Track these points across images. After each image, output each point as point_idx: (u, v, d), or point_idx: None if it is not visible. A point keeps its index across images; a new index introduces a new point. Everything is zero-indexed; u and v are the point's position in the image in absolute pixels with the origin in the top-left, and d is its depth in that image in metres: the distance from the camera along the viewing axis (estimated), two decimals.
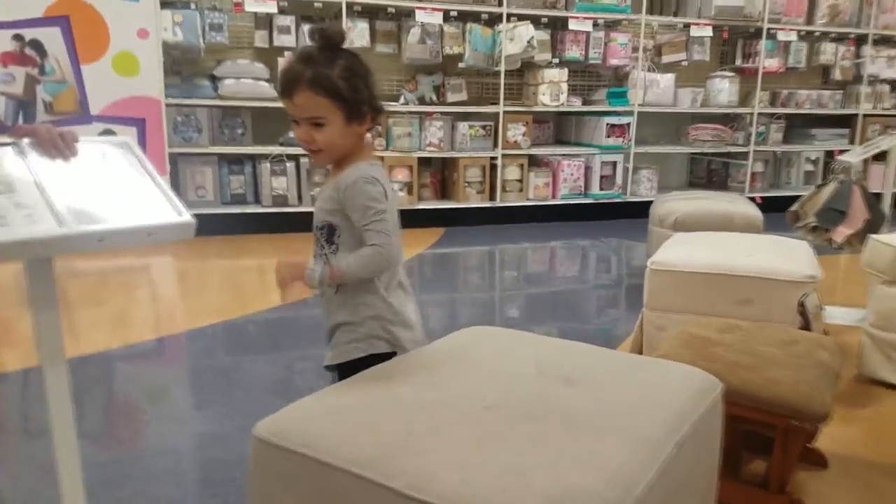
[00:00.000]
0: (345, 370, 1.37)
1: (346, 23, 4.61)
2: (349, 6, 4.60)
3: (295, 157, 4.72)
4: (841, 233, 2.77)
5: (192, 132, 4.53)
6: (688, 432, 1.08)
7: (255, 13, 4.55)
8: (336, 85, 1.33)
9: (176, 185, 4.53)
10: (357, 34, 4.70)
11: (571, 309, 3.52)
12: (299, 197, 4.77)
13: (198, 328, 2.99)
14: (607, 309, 3.58)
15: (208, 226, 4.42)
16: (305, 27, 4.58)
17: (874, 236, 2.50)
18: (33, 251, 0.99)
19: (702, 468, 1.19)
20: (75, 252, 1.03)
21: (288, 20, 4.56)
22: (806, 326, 2.13)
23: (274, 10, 4.49)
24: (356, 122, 1.38)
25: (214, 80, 4.54)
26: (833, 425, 2.11)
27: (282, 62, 4.55)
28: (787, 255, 2.37)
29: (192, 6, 4.41)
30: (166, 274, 4.05)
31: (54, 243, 0.98)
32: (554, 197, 5.37)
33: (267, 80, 4.56)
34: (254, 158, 4.73)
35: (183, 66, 4.59)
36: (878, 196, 3.09)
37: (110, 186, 1.11)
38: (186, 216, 1.09)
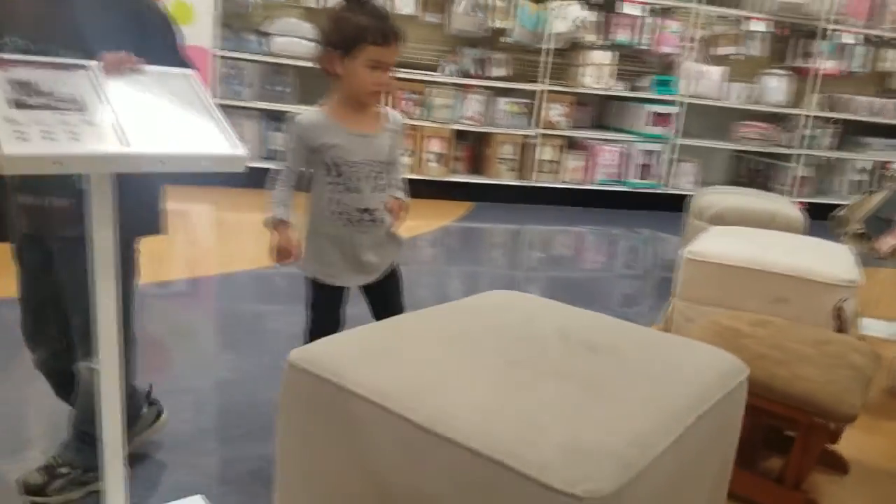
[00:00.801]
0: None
1: None
2: None
3: None
4: (886, 242, 2.69)
5: (238, 86, 4.55)
6: (709, 410, 1.06)
7: None
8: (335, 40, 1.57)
9: None
10: (404, 2, 4.65)
11: (593, 294, 3.48)
12: None
13: (229, 272, 3.04)
14: (631, 298, 3.53)
15: (248, 178, 4.48)
16: None
17: None
18: (100, 166, 1.06)
19: (718, 449, 1.17)
20: (137, 170, 1.10)
21: None
22: (842, 331, 2.08)
23: None
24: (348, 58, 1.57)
25: (264, 35, 4.54)
26: (858, 433, 2.07)
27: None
28: (828, 258, 2.31)
29: None
30: (205, 220, 4.10)
31: (119, 160, 1.05)
32: (589, 181, 5.30)
33: (315, 41, 4.54)
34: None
35: (234, 19, 4.60)
36: None
37: (172, 114, 1.16)
38: (240, 150, 1.13)
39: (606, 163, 5.27)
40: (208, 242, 3.64)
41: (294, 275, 3.06)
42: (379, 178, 1.66)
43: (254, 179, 4.47)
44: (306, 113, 1.66)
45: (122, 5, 1.33)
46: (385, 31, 1.55)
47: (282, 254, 1.67)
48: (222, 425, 1.87)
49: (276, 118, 4.73)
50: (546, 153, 5.21)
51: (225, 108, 4.28)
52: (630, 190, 5.36)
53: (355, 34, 1.53)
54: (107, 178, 1.10)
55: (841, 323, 2.06)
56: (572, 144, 5.33)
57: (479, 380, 1.02)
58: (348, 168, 1.62)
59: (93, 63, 1.16)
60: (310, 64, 4.53)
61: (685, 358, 1.20)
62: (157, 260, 3.05)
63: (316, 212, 1.68)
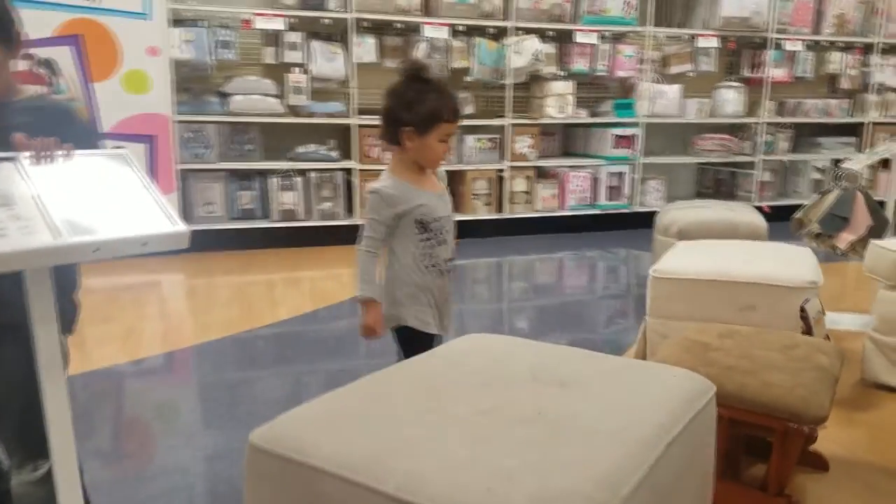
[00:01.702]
0: None
1: (353, 38, 4.68)
2: (357, 22, 4.67)
3: (303, 172, 4.78)
4: (844, 239, 2.77)
5: (201, 148, 4.60)
6: (679, 434, 1.09)
7: (264, 30, 4.62)
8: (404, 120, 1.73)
9: (185, 201, 4.60)
10: (365, 50, 4.76)
11: (579, 319, 3.53)
12: (307, 211, 4.82)
13: (206, 342, 3.02)
14: (615, 318, 3.58)
15: (217, 241, 4.59)
16: (314, 43, 4.65)
17: (876, 242, 2.50)
18: (30, 262, 1.01)
19: (695, 469, 1.19)
20: (71, 261, 1.05)
21: (296, 36, 4.64)
22: (808, 331, 2.13)
23: (282, 26, 4.57)
24: (417, 136, 1.74)
25: (223, 96, 4.62)
26: (835, 429, 2.11)
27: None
28: (789, 262, 2.38)
29: (202, 24, 4.50)
30: (175, 290, 4.09)
31: (50, 254, 1.00)
32: (562, 208, 5.39)
33: (275, 96, 4.63)
34: (263, 174, 4.79)
35: (192, 83, 4.67)
36: (881, 203, 3.09)
37: (106, 198, 1.13)
38: (180, 226, 1.10)
39: (577, 188, 5.37)
40: (180, 313, 3.64)
41: (270, 336, 3.10)
42: (452, 229, 1.85)
43: (223, 241, 4.59)
44: (383, 183, 1.76)
45: (49, 112, 1.30)
46: (455, 109, 1.74)
47: (371, 332, 1.78)
48: None
49: (243, 177, 4.78)
50: (518, 185, 5.30)
51: (189, 172, 4.35)
52: (601, 212, 5.45)
53: (431, 115, 1.69)
54: (44, 272, 1.06)
55: (805, 323, 2.11)
56: (542, 174, 5.43)
57: (448, 435, 1.03)
58: (436, 224, 1.78)
59: (19, 154, 1.12)
60: (272, 119, 4.68)
61: (652, 384, 1.24)
62: (128, 337, 3.05)
63: (405, 267, 1.78)
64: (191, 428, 2.25)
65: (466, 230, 5.18)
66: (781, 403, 1.55)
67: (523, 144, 5.24)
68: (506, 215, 5.26)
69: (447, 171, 5.20)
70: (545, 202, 5.36)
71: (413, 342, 1.77)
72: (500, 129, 5.19)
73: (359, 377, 1.25)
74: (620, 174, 5.45)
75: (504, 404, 1.13)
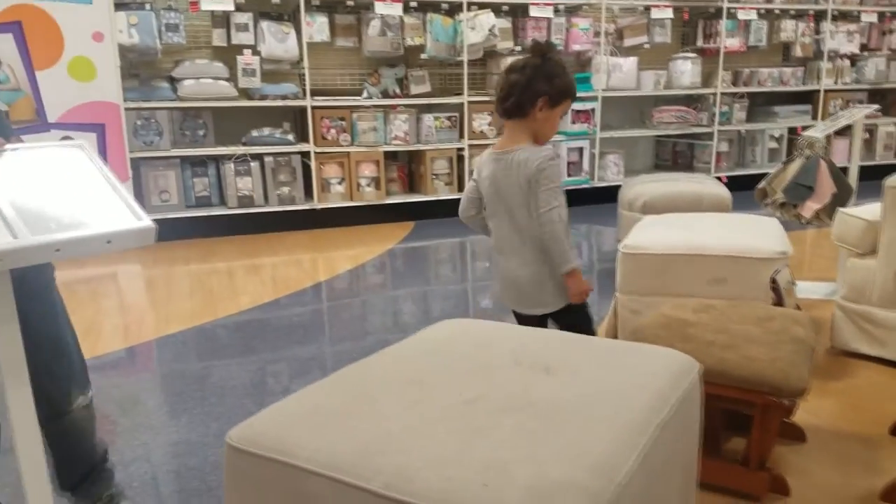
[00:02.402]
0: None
1: (304, 17, 4.54)
2: (307, 1, 4.53)
3: (259, 157, 4.64)
4: (809, 208, 2.79)
5: (152, 135, 4.43)
6: (668, 414, 1.07)
7: (212, 12, 4.44)
8: (536, 88, 1.79)
9: (139, 190, 4.43)
10: (316, 29, 4.62)
11: None
12: (265, 196, 4.70)
13: (168, 335, 2.92)
14: None
15: (174, 230, 4.44)
16: (263, 23, 4.49)
17: (844, 210, 2.52)
18: None
19: (683, 449, 1.17)
20: (31, 262, 0.98)
21: (245, 17, 4.47)
22: (779, 302, 2.14)
23: (231, 7, 4.39)
24: (549, 109, 1.82)
25: (173, 81, 4.44)
26: (809, 398, 2.13)
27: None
28: (758, 233, 2.38)
29: (147, 7, 4.30)
30: (134, 282, 3.95)
31: (9, 256, 0.94)
32: None
33: (227, 79, 4.47)
34: (217, 160, 4.64)
35: (140, 68, 4.48)
36: (843, 170, 3.12)
37: (66, 194, 1.07)
38: (146, 221, 1.04)
39: None
40: (140, 305, 3.51)
41: (234, 326, 3.00)
42: None
43: (180, 230, 4.44)
44: (546, 150, 1.82)
45: None
46: (575, 88, 1.87)
47: (585, 294, 1.84)
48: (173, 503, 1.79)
49: (197, 164, 4.62)
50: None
51: (142, 160, 4.18)
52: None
53: (566, 89, 1.80)
54: (3, 275, 1.01)
55: (776, 294, 2.12)
56: None
57: (436, 428, 0.99)
58: None
59: None
60: (225, 104, 4.52)
61: (638, 365, 1.21)
62: (88, 332, 2.93)
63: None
64: (158, 423, 2.16)
65: (428, 210, 5.13)
66: (762, 377, 1.55)
67: (482, 122, 5.18)
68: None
69: (408, 152, 5.17)
70: None
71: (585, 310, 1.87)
72: (458, 107, 5.11)
73: (327, 364, 1.20)
74: (580, 149, 5.44)
75: (490, 392, 1.09)
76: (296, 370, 2.59)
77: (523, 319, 1.92)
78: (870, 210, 2.40)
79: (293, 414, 1.05)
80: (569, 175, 5.43)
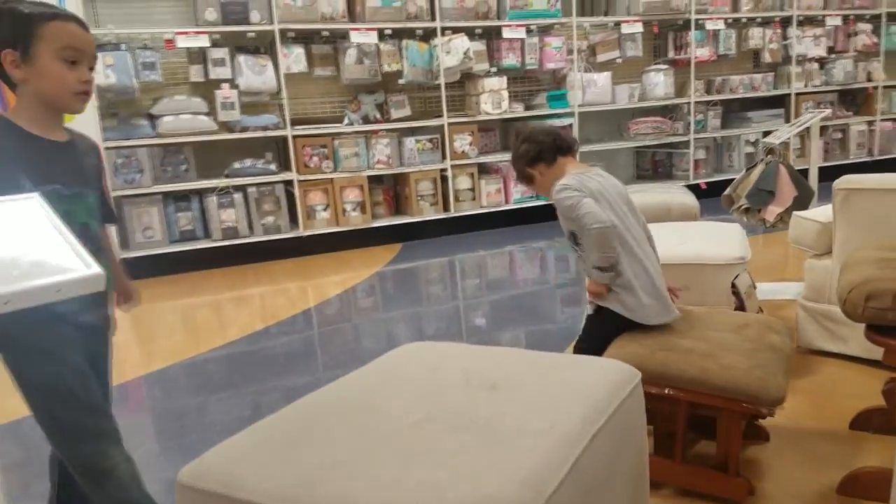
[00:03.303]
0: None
1: (280, 49, 4.64)
2: (283, 33, 4.63)
3: (242, 188, 4.72)
4: (772, 212, 2.86)
5: (133, 173, 4.50)
6: (604, 425, 1.12)
7: (188, 48, 4.54)
8: (521, 165, 2.00)
9: (122, 228, 4.50)
10: (293, 60, 4.73)
11: (533, 310, 3.57)
12: (250, 227, 4.77)
13: (152, 372, 2.97)
14: (568, 306, 3.63)
15: (159, 266, 4.51)
16: (240, 57, 4.59)
17: (798, 213, 2.60)
18: None
19: (625, 458, 1.22)
20: None
21: (222, 52, 4.57)
22: (740, 306, 2.20)
23: (206, 43, 4.50)
24: (534, 179, 1.99)
25: (152, 118, 4.53)
26: None
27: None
28: (718, 240, 2.45)
29: (123, 47, 4.39)
30: (119, 321, 3.99)
31: None
32: (507, 202, 5.44)
33: (206, 114, 4.56)
34: (200, 193, 4.71)
35: (119, 107, 4.57)
36: (804, 172, 3.20)
37: (16, 246, 1.09)
38: (95, 268, 1.08)
39: None
40: (124, 343, 3.55)
41: (221, 359, 3.05)
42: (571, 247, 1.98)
43: (165, 266, 4.50)
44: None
45: None
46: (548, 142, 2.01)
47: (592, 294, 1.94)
48: None
49: (179, 199, 4.69)
50: (462, 182, 5.33)
51: (124, 199, 4.23)
52: (545, 203, 5.50)
53: (537, 152, 1.97)
54: None
55: (737, 298, 2.19)
56: (485, 170, 5.47)
57: (379, 453, 1.03)
58: None
59: None
60: (205, 137, 4.61)
61: (579, 377, 1.27)
62: None
63: None
64: (142, 462, 2.20)
65: (414, 232, 5.21)
66: (740, 386, 1.58)
67: (463, 142, 5.27)
68: (452, 214, 5.29)
69: (392, 175, 5.23)
70: (490, 197, 5.40)
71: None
72: (439, 128, 5.21)
73: None
74: None
75: (437, 414, 1.14)
76: (286, 400, 2.62)
77: None
78: (823, 212, 2.48)
79: (242, 448, 1.10)
80: (517, 184, 5.52)
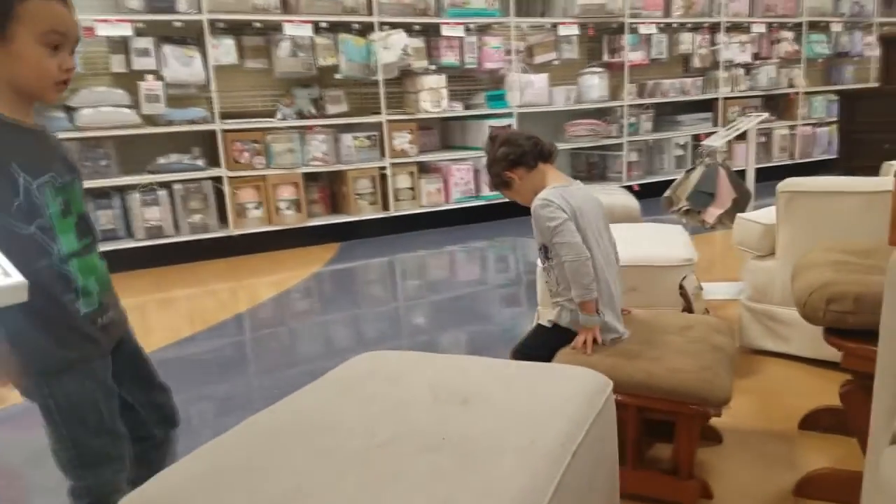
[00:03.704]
0: None
1: (209, 40, 4.43)
2: (212, 23, 4.42)
3: (167, 185, 4.48)
4: (712, 213, 2.91)
5: None
6: (584, 438, 1.07)
7: (109, 37, 4.28)
8: (493, 181, 1.96)
9: None
10: (223, 51, 4.52)
11: (475, 311, 3.52)
12: (175, 226, 4.53)
13: None
14: (509, 306, 3.60)
15: None
16: (166, 48, 4.36)
17: (742, 215, 2.64)
18: None
19: (602, 468, 1.18)
20: None
21: (146, 42, 4.32)
22: (688, 307, 2.21)
23: (129, 32, 4.24)
24: (512, 184, 1.89)
25: (70, 110, 4.24)
26: None
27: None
28: (665, 242, 2.46)
29: None
30: None
31: None
32: (447, 202, 5.39)
33: (129, 106, 4.30)
34: (122, 190, 4.45)
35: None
36: (741, 174, 3.27)
37: None
38: (18, 277, 0.98)
39: (460, 181, 5.38)
40: None
41: (173, 359, 2.86)
42: (541, 259, 1.90)
43: None
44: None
45: None
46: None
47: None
48: None
49: (100, 196, 4.41)
50: (402, 181, 5.23)
51: None
52: (486, 203, 5.49)
53: (524, 154, 1.88)
54: None
55: (685, 300, 2.19)
56: (425, 169, 5.39)
57: (345, 478, 0.94)
58: None
59: None
60: (127, 131, 4.35)
61: (551, 388, 1.21)
62: None
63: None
64: (59, 475, 2.02)
65: (352, 231, 5.08)
66: (687, 389, 1.57)
67: (402, 140, 5.18)
68: (392, 213, 5.19)
69: (329, 173, 5.09)
70: (430, 197, 5.33)
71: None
72: (377, 126, 5.09)
73: (254, 401, 1.15)
74: None
75: (405, 432, 1.06)
76: (217, 410, 2.49)
77: None
78: (766, 214, 2.52)
79: (190, 477, 0.99)
80: (491, 190, 5.49)
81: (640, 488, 1.70)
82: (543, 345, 1.82)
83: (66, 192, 1.27)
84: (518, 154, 1.86)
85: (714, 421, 1.99)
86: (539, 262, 1.92)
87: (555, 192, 1.80)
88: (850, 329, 1.50)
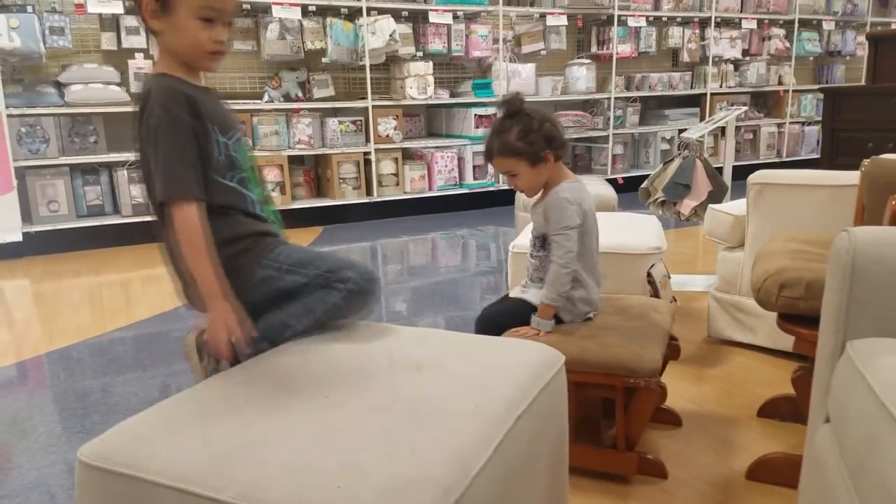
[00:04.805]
0: None
1: None
2: None
3: None
4: (687, 205, 2.96)
5: (38, 143, 4.22)
6: (528, 406, 1.11)
7: (100, 14, 4.28)
8: (514, 147, 1.74)
9: (25, 200, 4.22)
10: None
11: (455, 297, 3.56)
12: None
13: (56, 350, 2.80)
14: (488, 293, 3.65)
15: (64, 242, 4.26)
16: None
17: (713, 206, 2.69)
18: None
19: (547, 438, 1.23)
20: None
21: (136, 20, 4.33)
22: (655, 295, 2.26)
23: (120, 10, 4.25)
24: (540, 164, 1.75)
25: (60, 86, 4.25)
26: (686, 385, 2.27)
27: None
28: (635, 231, 2.51)
29: (29, 9, 4.10)
30: (19, 297, 3.75)
31: None
32: (430, 189, 5.42)
33: (118, 84, 4.32)
34: (110, 167, 4.47)
35: (24, 73, 4.27)
36: (719, 169, 3.33)
37: None
38: None
39: (444, 169, 5.42)
40: (27, 320, 3.34)
41: (128, 339, 2.90)
42: (533, 247, 1.86)
43: (71, 242, 4.26)
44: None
45: None
46: (484, 151, 1.87)
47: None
48: None
49: (88, 172, 4.44)
50: (386, 167, 5.27)
51: (27, 169, 3.99)
52: (469, 191, 5.53)
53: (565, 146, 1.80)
54: None
55: (652, 287, 2.25)
56: (409, 155, 5.42)
57: (296, 433, 0.99)
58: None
59: None
60: (116, 109, 4.36)
61: (504, 358, 1.26)
62: None
63: None
64: (41, 444, 2.07)
65: (337, 215, 5.11)
66: (618, 361, 1.63)
67: (388, 126, 5.21)
68: (375, 198, 5.23)
69: (315, 156, 5.12)
70: (414, 183, 5.37)
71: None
72: (363, 111, 5.12)
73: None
74: (483, 153, 5.54)
75: (359, 394, 1.11)
76: (193, 383, 2.53)
77: None
78: (736, 206, 2.58)
79: (149, 426, 1.04)
80: (474, 178, 5.55)
81: (582, 462, 1.75)
82: (518, 321, 1.85)
83: (244, 147, 1.42)
84: (561, 142, 1.77)
85: (677, 406, 2.06)
86: (530, 249, 1.87)
87: (578, 192, 1.77)
88: (803, 315, 1.56)
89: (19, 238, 4.16)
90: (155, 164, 1.28)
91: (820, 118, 6.86)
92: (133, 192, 4.44)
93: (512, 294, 1.92)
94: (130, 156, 4.45)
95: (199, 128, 1.31)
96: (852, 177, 2.27)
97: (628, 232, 2.48)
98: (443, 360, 1.23)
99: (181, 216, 1.28)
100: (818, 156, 6.90)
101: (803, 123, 7.13)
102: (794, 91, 6.99)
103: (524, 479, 1.12)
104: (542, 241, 1.81)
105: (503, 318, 1.83)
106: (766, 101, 7.07)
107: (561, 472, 1.35)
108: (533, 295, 1.84)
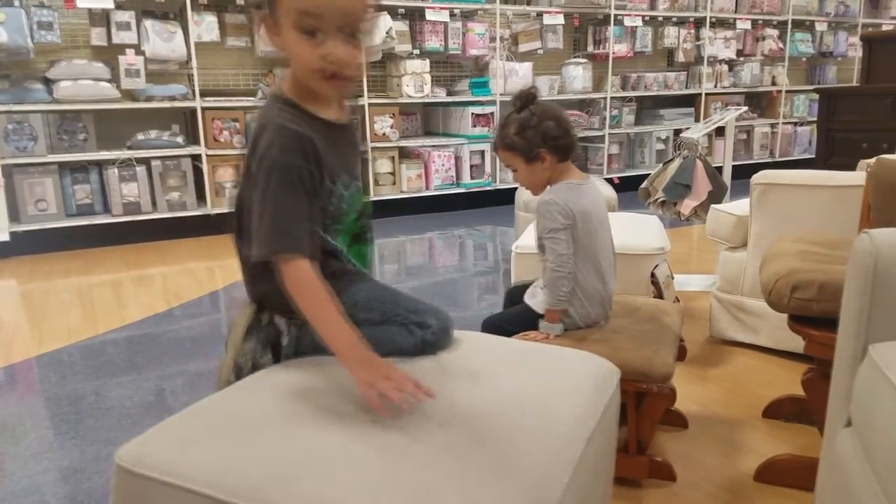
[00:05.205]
0: None
1: (191, 16, 4.38)
2: (194, 0, 4.37)
3: (146, 161, 4.44)
4: (687, 205, 2.94)
5: (26, 140, 4.15)
6: (596, 426, 1.06)
7: (90, 9, 4.21)
8: (510, 141, 1.71)
9: (12, 199, 4.14)
10: (205, 28, 4.47)
11: (453, 297, 3.53)
12: (153, 203, 4.50)
13: (46, 353, 2.73)
14: (486, 293, 3.61)
15: (53, 241, 4.20)
16: (147, 22, 4.30)
17: (716, 206, 2.67)
18: None
19: (607, 455, 1.18)
20: None
21: (127, 15, 4.27)
22: (658, 295, 2.24)
23: (110, 5, 4.18)
24: (535, 162, 1.70)
25: (48, 82, 4.18)
26: (690, 386, 2.24)
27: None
28: (638, 231, 2.48)
29: (16, 3, 4.03)
30: (7, 298, 3.68)
31: None
32: (427, 188, 5.38)
33: (108, 81, 4.25)
34: (100, 165, 4.40)
35: (11, 68, 4.19)
36: (719, 169, 3.31)
37: None
38: None
39: (441, 168, 5.38)
40: (15, 322, 3.27)
41: (120, 341, 2.85)
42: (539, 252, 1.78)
43: (60, 241, 4.19)
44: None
45: None
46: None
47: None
48: None
49: (77, 170, 4.37)
50: (382, 166, 5.22)
51: (14, 168, 3.92)
52: (466, 191, 5.49)
53: (571, 145, 1.74)
54: None
55: (656, 288, 2.22)
56: (406, 154, 5.38)
57: (353, 447, 0.90)
58: None
59: None
60: (106, 106, 4.29)
61: (561, 370, 1.20)
62: None
63: None
64: (33, 450, 2.01)
65: None
66: (630, 366, 1.59)
67: (384, 125, 5.16)
68: (372, 197, 5.15)
69: None
70: (410, 182, 5.32)
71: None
72: (360, 108, 5.07)
73: None
74: (482, 152, 5.51)
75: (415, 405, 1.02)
76: (188, 386, 2.48)
77: None
78: (739, 206, 2.56)
79: (193, 429, 0.95)
80: (471, 178, 5.50)
81: None
82: (523, 328, 1.80)
83: (358, 195, 1.26)
84: (567, 143, 1.71)
85: (682, 408, 2.03)
86: (538, 250, 1.81)
87: (565, 192, 1.69)
88: (814, 317, 1.53)
89: (7, 238, 4.09)
90: (261, 215, 1.12)
91: (812, 118, 6.88)
92: (124, 191, 4.37)
93: (526, 294, 1.85)
94: (121, 153, 4.39)
95: (313, 173, 1.13)
96: (856, 177, 2.25)
97: (631, 232, 2.45)
98: (497, 369, 1.16)
99: (293, 273, 1.09)
100: (811, 156, 6.93)
101: (796, 124, 7.14)
102: (787, 91, 7.00)
103: (592, 498, 1.07)
104: (541, 244, 1.77)
105: (510, 323, 1.80)
106: (759, 102, 7.07)
107: (609, 483, 1.29)
108: (540, 300, 1.80)
